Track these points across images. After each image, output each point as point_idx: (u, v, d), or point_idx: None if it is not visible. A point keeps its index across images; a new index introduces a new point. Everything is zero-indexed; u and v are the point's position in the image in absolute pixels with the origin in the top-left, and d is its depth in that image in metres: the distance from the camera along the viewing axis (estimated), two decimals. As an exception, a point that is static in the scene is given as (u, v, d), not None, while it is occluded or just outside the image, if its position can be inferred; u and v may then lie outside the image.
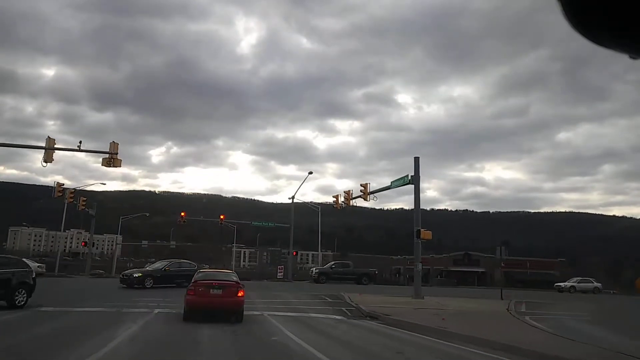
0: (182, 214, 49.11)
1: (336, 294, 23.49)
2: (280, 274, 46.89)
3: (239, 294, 13.56)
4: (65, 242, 75.68)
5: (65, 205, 44.57)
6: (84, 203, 43.95)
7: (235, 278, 14.55)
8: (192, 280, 14.04)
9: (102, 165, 25.60)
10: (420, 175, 26.34)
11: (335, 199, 36.02)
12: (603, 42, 1.30)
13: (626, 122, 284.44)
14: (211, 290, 13.35)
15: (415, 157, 26.30)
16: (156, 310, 15.32)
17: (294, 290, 27.76)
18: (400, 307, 18.22)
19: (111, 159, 25.51)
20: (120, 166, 25.58)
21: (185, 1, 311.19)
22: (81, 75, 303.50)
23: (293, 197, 48.08)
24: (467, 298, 25.54)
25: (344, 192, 34.59)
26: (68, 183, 52.42)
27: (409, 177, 26.39)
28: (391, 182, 28.77)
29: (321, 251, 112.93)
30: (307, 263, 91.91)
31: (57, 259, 50.28)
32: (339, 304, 19.86)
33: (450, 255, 73.86)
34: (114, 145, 25.55)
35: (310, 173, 46.87)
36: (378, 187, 31.64)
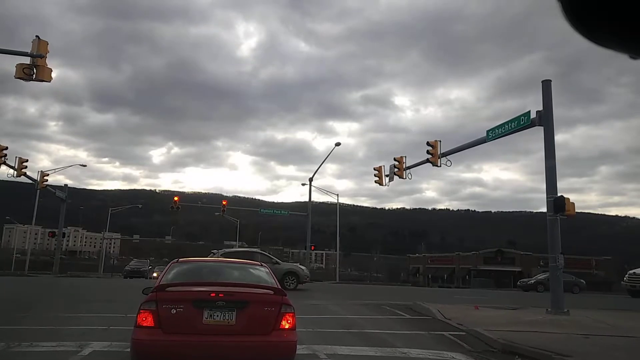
0: (175, 198, 46.33)
1: (407, 303, 16.86)
2: None
3: (284, 325, 5.56)
4: (62, 241, 73.37)
5: (36, 193, 41.51)
6: (45, 180, 37.33)
7: (270, 279, 6.45)
8: (156, 284, 5.90)
9: (15, 77, 14.68)
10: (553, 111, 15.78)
11: (377, 172, 25.88)
12: (603, 42, 1.29)
13: (622, 124, 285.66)
14: (206, 313, 5.38)
15: (544, 81, 15.98)
16: (90, 348, 7.67)
17: (333, 297, 20.39)
18: (552, 332, 10.83)
19: (33, 67, 14.61)
20: (50, 79, 15.16)
21: (185, 5, 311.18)
22: (83, 76, 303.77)
23: (311, 179, 45.13)
24: (615, 310, 17.65)
25: (395, 159, 24.00)
26: (70, 183, 50.14)
27: (534, 116, 15.93)
28: (487, 132, 18.02)
29: (324, 250, 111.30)
30: (310, 263, 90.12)
31: (27, 256, 48.48)
32: (429, 323, 12.66)
33: (479, 253, 67.95)
34: (40, 43, 14.75)
35: (338, 144, 42.45)
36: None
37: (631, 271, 28.56)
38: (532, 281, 35.06)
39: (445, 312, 14.12)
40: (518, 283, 39.04)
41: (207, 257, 26.82)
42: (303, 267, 24.64)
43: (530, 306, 17.06)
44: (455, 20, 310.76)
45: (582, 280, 35.41)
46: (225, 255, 23.41)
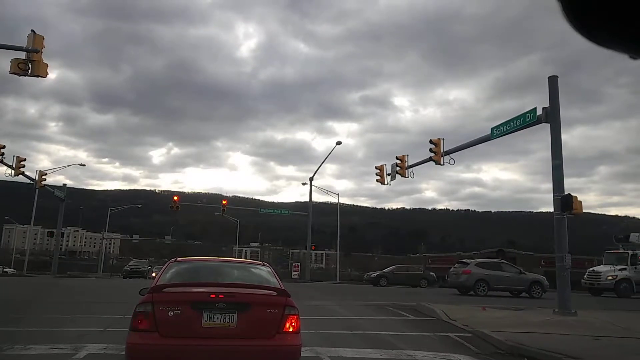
0: (175, 198, 45.92)
1: (410, 304, 16.47)
2: (296, 272, 44.28)
3: (288, 328, 5.18)
4: (61, 241, 73.13)
5: (35, 193, 41.13)
6: (44, 180, 36.78)
7: (272, 279, 6.06)
8: (152, 285, 5.49)
9: (10, 72, 14.07)
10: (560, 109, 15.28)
11: (379, 171, 25.23)
12: (603, 42, 1.30)
13: (621, 124, 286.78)
14: (205, 316, 5.01)
15: (551, 77, 15.59)
16: (85, 350, 7.32)
17: (334, 297, 19.82)
18: (560, 334, 10.38)
19: (28, 62, 13.98)
20: (45, 75, 14.49)
21: (185, 6, 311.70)
22: (83, 77, 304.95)
23: (312, 179, 44.85)
24: (623, 311, 16.75)
25: (397, 157, 23.42)
26: (70, 183, 49.96)
27: (540, 112, 15.33)
28: (492, 130, 17.40)
29: (325, 250, 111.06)
30: (311, 263, 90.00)
31: (26, 256, 48.31)
32: (434, 324, 12.38)
33: (480, 253, 68.73)
34: (36, 38, 14.09)
35: (339, 143, 42.38)
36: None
37: (590, 269, 27.87)
38: (375, 275, 35.61)
39: (450, 313, 13.78)
40: (365, 277, 39.05)
41: (453, 266, 26.35)
42: (543, 277, 25.18)
43: (537, 307, 16.73)
44: (454, 20, 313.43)
45: (432, 274, 35.16)
46: (478, 264, 24.47)
